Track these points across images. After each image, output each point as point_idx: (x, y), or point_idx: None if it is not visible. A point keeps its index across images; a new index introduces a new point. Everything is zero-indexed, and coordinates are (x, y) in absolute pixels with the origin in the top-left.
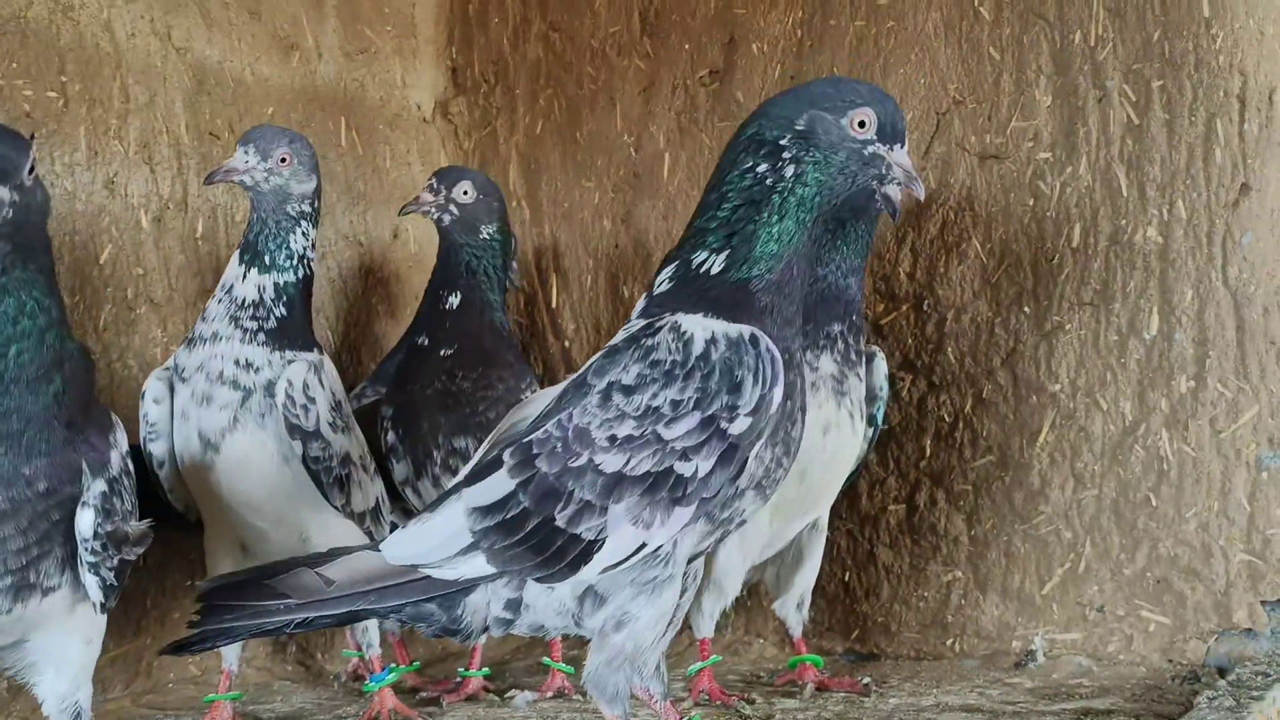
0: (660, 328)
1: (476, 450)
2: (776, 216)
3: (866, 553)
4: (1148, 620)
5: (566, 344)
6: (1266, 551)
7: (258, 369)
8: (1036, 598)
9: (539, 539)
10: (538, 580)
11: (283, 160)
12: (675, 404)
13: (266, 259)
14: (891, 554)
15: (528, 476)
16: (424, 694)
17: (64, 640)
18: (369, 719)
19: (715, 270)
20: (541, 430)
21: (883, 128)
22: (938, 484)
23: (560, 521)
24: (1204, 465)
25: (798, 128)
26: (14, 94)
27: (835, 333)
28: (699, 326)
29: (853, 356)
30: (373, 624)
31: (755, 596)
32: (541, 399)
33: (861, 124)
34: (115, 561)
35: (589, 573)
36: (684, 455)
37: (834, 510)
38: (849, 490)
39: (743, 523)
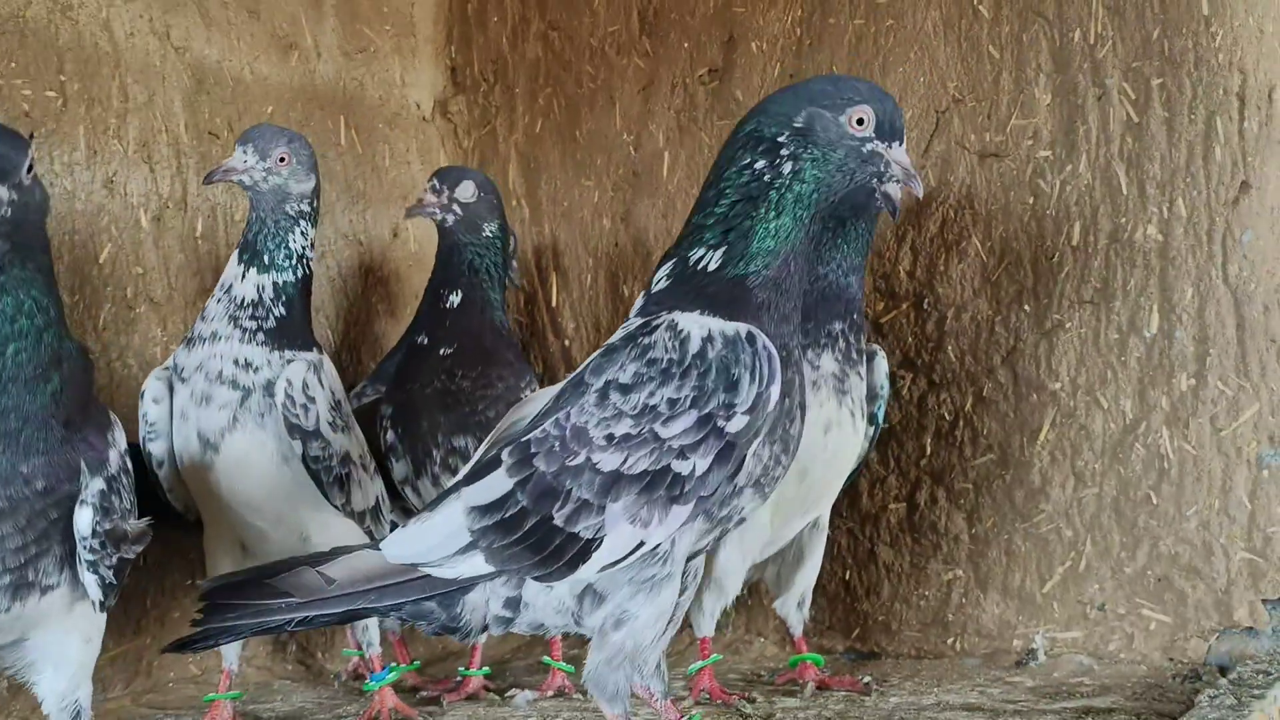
0: (657, 326)
1: (476, 449)
2: (774, 213)
3: (867, 551)
4: (1149, 619)
5: (566, 343)
6: (1267, 549)
7: (257, 368)
8: (1037, 596)
9: (537, 538)
10: (536, 579)
11: (281, 160)
12: (672, 402)
13: (265, 258)
14: (892, 552)
15: (526, 476)
16: (424, 693)
17: (63, 639)
18: (369, 718)
19: (712, 267)
20: (539, 429)
21: (881, 125)
22: (938, 482)
23: (558, 520)
24: (1205, 463)
25: (796, 125)
26: (13, 93)
27: (836, 331)
28: (695, 324)
29: (854, 355)
30: (373, 623)
31: (756, 595)
32: (541, 398)
33: (860, 121)
34: (114, 560)
35: (587, 571)
36: (681, 454)
37: (834, 509)
38: (849, 489)
39: (742, 521)
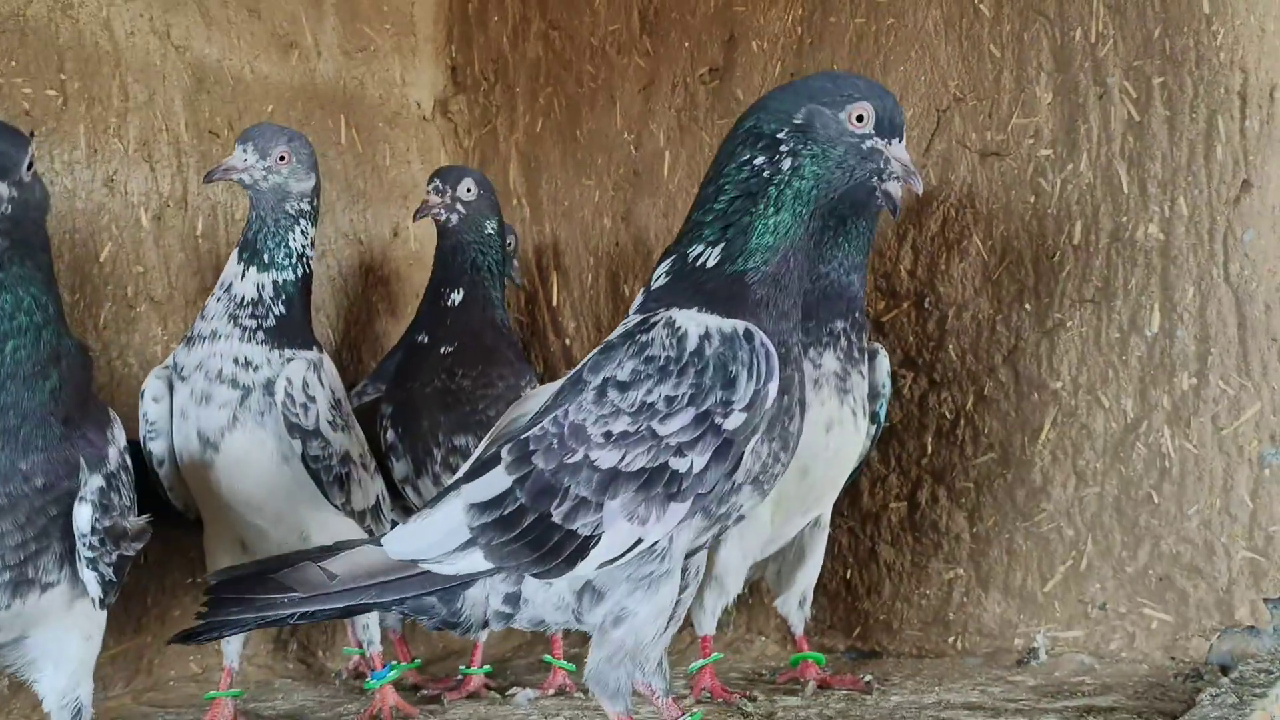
0: (655, 323)
1: (477, 448)
2: (773, 209)
3: (868, 550)
4: (1150, 618)
5: (567, 342)
6: (1269, 548)
7: (257, 367)
8: (1038, 595)
9: (535, 535)
10: (535, 576)
11: (281, 159)
12: (669, 400)
13: (265, 257)
14: (893, 551)
15: (524, 473)
16: (425, 691)
17: (63, 636)
18: (370, 716)
19: (711, 263)
20: (538, 427)
21: (880, 122)
22: (939, 481)
23: (556, 518)
24: (1206, 462)
25: (795, 121)
26: (13, 92)
27: (838, 330)
28: (693, 322)
29: (855, 354)
30: (374, 621)
31: (757, 594)
32: (541, 395)
33: (859, 118)
34: (114, 557)
35: (585, 568)
36: (679, 451)
37: (835, 508)
38: (850, 488)
39: (741, 518)
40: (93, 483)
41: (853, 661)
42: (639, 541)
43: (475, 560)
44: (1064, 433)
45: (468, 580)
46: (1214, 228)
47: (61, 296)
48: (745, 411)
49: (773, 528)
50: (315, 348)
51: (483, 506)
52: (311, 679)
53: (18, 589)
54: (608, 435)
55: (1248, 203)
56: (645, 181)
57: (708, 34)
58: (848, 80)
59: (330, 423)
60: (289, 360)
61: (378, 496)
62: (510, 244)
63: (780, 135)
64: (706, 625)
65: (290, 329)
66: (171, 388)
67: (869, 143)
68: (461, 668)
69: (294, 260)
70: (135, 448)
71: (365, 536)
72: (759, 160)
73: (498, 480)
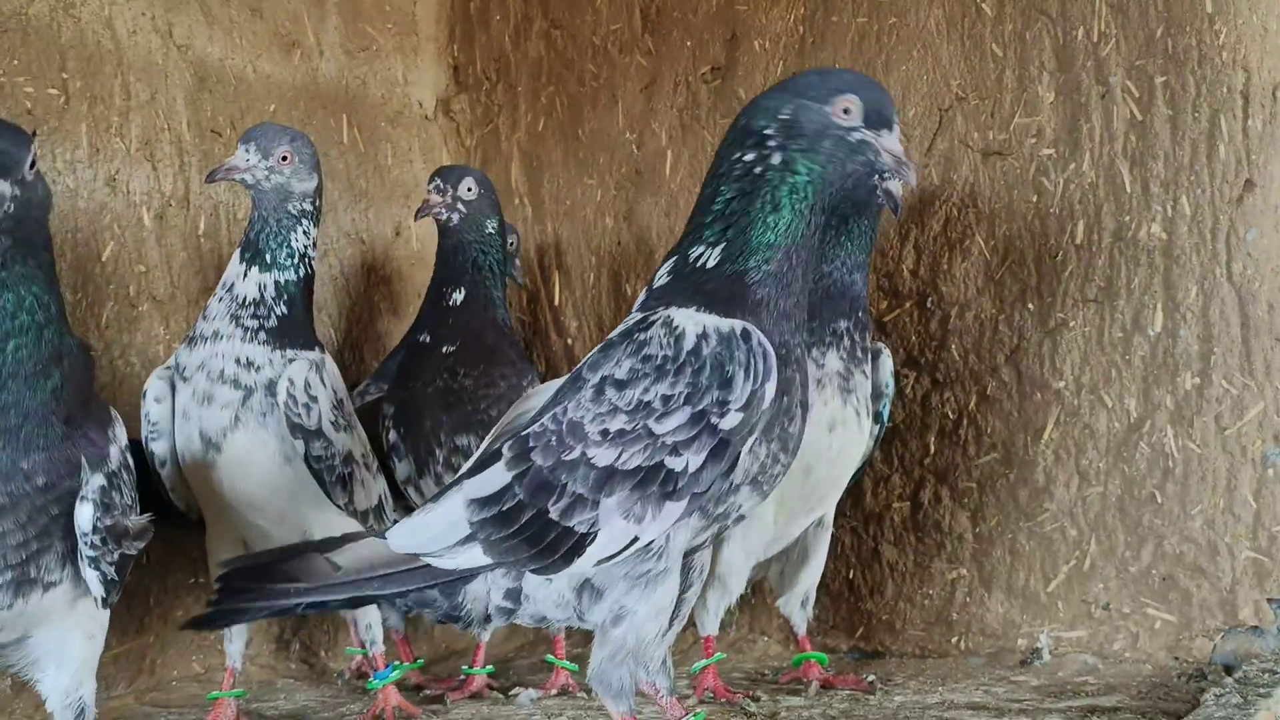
0: (653, 322)
1: (479, 448)
2: (770, 207)
3: (871, 550)
4: (1153, 618)
5: (569, 341)
6: (1273, 548)
7: (259, 368)
8: (1041, 595)
9: (533, 531)
10: (533, 572)
11: (284, 158)
12: (666, 399)
13: (268, 257)
14: (896, 551)
15: (523, 469)
16: (428, 691)
17: (66, 636)
18: (373, 716)
19: (711, 264)
20: (538, 424)
21: (868, 114)
22: (942, 481)
23: (554, 514)
24: (1209, 462)
25: (782, 117)
26: (15, 91)
27: (841, 329)
28: (691, 321)
29: (859, 353)
30: (376, 621)
31: (759, 594)
32: (545, 392)
33: (846, 110)
34: (116, 556)
35: (582, 565)
36: (675, 450)
37: (838, 507)
38: (853, 487)
39: (741, 518)
40: (94, 481)
41: (855, 662)
42: (635, 540)
43: (475, 555)
44: (1067, 432)
45: (469, 575)
46: (1217, 227)
47: (63, 296)
48: (742, 412)
49: (776, 527)
50: (317, 348)
51: (482, 502)
52: (314, 679)
53: (20, 588)
54: (605, 433)
55: (1251, 202)
56: (647, 181)
57: (710, 33)
58: (835, 74)
59: (332, 423)
60: (291, 360)
61: (380, 497)
62: (512, 243)
63: (769, 132)
64: (710, 625)
65: (292, 329)
66: (174, 388)
67: (856, 135)
68: (464, 668)
69: (296, 260)
70: (136, 447)
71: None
72: (750, 158)
73: (497, 476)
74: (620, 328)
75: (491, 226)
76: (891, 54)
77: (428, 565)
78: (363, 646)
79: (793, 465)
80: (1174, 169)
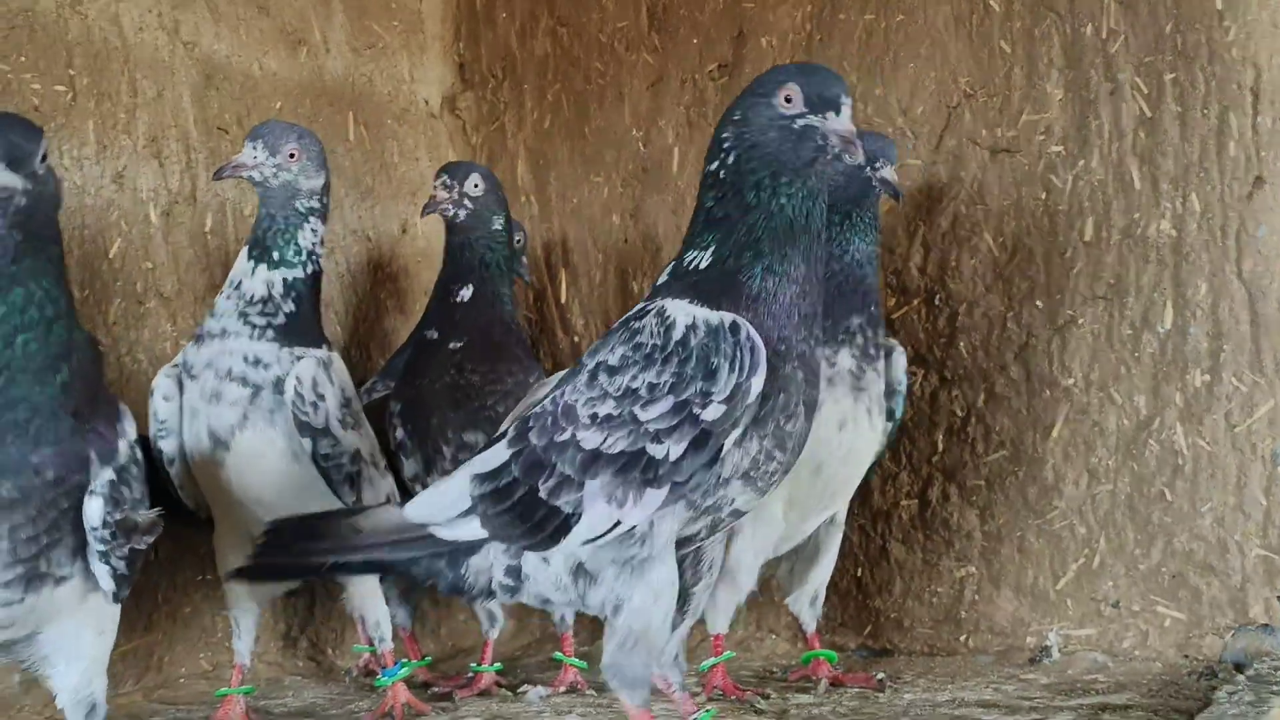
0: (648, 312)
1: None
2: (746, 206)
3: (879, 548)
4: (1163, 616)
5: (576, 339)
6: None
7: (267, 365)
8: (1051, 593)
9: (524, 508)
10: (525, 548)
11: (291, 156)
12: (652, 387)
13: (275, 255)
14: (904, 549)
15: (520, 448)
16: (436, 689)
17: (77, 632)
18: (383, 713)
19: (703, 265)
20: (540, 406)
21: (809, 99)
22: (950, 479)
23: (543, 493)
24: (1219, 460)
25: (734, 118)
26: (22, 88)
27: (854, 326)
28: (682, 312)
29: (871, 350)
30: (385, 618)
31: (766, 592)
32: (556, 381)
33: (788, 99)
34: (126, 550)
35: (570, 545)
36: (657, 438)
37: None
38: (861, 485)
39: (738, 513)
40: (103, 476)
41: (864, 660)
42: (618, 524)
43: (474, 528)
44: (1076, 430)
45: (471, 547)
46: (1226, 224)
47: (72, 290)
48: (724, 404)
49: (787, 525)
50: (325, 346)
51: (483, 477)
52: (321, 676)
53: (31, 583)
54: (594, 417)
55: (1260, 199)
56: (654, 178)
57: (717, 30)
58: (782, 68)
59: (340, 421)
60: (299, 358)
61: (388, 494)
62: (519, 241)
63: (725, 136)
64: (720, 623)
65: (300, 327)
66: (182, 386)
67: (800, 121)
68: (472, 665)
69: (304, 258)
70: (144, 442)
71: None
72: (714, 166)
73: (499, 453)
74: (622, 318)
75: (498, 223)
76: (899, 51)
77: (432, 535)
78: (370, 644)
79: (803, 463)
80: (1183, 166)
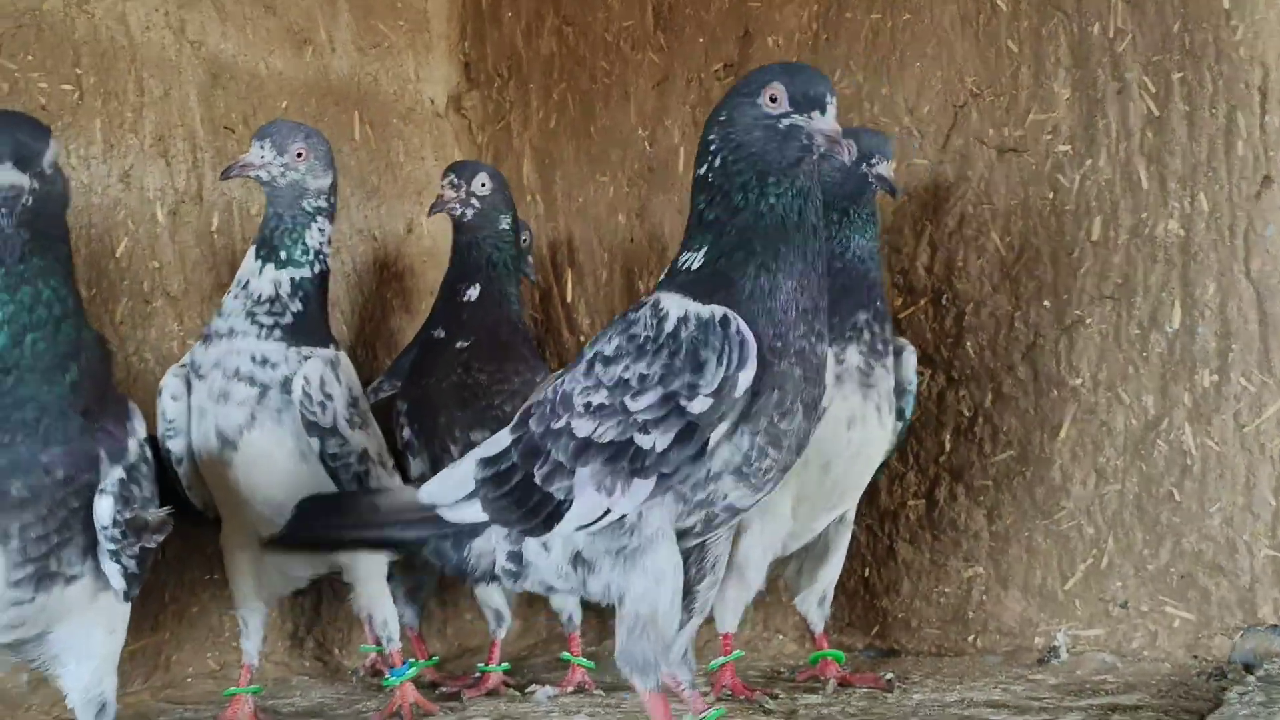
0: (644, 304)
1: None
2: (732, 209)
3: (886, 548)
4: (1172, 616)
5: (581, 338)
6: None
7: (274, 365)
8: (1059, 593)
9: (520, 493)
10: (521, 533)
11: (298, 155)
12: (642, 378)
13: (282, 254)
14: (911, 549)
15: (520, 434)
16: (444, 689)
17: (87, 631)
18: (390, 713)
19: (696, 265)
20: (543, 394)
21: (794, 99)
22: (958, 479)
23: (537, 479)
24: (1228, 460)
25: (720, 119)
26: (29, 87)
27: (861, 323)
28: (676, 305)
29: (879, 347)
30: (392, 617)
31: (774, 592)
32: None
33: (773, 99)
34: (136, 549)
35: (563, 529)
36: (644, 428)
37: None
38: (868, 485)
39: (733, 509)
40: (113, 475)
41: (871, 660)
42: (608, 512)
43: (475, 510)
44: (1084, 430)
45: (474, 529)
46: (1235, 224)
47: (79, 289)
48: (711, 397)
49: (796, 522)
50: (332, 345)
51: (486, 461)
52: (328, 676)
53: (41, 582)
54: (587, 406)
55: (1269, 198)
56: (660, 177)
57: (722, 29)
58: (767, 68)
59: (348, 421)
60: (306, 358)
61: None
62: (525, 240)
63: (710, 137)
64: (729, 622)
65: (307, 326)
66: (189, 385)
67: (785, 121)
68: (480, 665)
69: (311, 257)
70: (153, 441)
71: None
72: (703, 168)
73: (502, 439)
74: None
75: (505, 222)
76: (906, 50)
77: (438, 516)
78: (378, 644)
79: (811, 461)
80: (1191, 165)
